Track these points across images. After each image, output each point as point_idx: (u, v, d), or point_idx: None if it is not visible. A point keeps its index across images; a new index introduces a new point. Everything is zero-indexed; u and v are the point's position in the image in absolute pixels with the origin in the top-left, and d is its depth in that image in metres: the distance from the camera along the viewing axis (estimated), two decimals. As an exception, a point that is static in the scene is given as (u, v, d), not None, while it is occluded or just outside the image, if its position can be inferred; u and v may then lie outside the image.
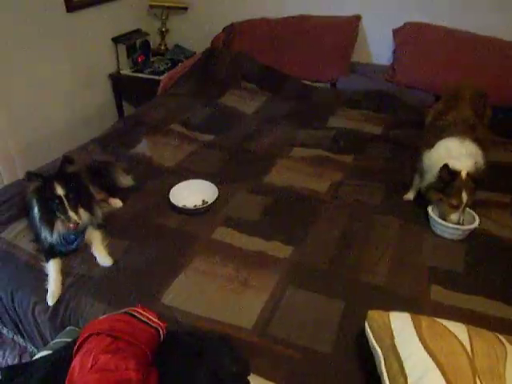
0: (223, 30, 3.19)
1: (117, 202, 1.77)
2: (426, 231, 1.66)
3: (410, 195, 1.84)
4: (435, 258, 1.54)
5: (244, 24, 3.12)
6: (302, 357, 1.19)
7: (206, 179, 1.86)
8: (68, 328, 1.32)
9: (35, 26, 2.45)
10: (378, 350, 1.05)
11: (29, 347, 1.55)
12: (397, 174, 1.99)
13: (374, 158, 2.13)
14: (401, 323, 1.05)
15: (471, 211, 1.64)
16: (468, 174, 1.56)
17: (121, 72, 3.13)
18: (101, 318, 1.13)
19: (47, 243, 1.47)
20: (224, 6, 3.26)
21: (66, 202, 1.41)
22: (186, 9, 3.32)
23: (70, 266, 1.48)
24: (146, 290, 1.39)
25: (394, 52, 2.82)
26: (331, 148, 2.19)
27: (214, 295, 1.37)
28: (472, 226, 1.59)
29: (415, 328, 1.02)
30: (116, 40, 3.05)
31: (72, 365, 0.99)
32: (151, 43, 3.31)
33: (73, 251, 1.51)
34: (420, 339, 0.98)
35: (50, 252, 1.47)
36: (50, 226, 1.45)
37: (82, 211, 1.48)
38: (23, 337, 1.53)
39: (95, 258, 1.49)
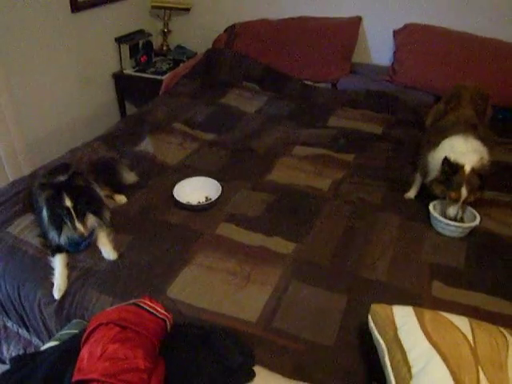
0: (225, 31, 3.21)
1: (121, 198, 1.78)
2: (427, 229, 1.67)
3: (411, 194, 1.86)
4: (436, 255, 1.55)
5: (245, 25, 3.14)
6: (306, 349, 1.21)
7: (209, 177, 1.87)
8: (74, 320, 1.33)
9: (41, 27, 2.48)
10: (382, 342, 1.06)
11: (33, 340, 1.56)
12: (397, 173, 2.01)
13: (375, 157, 2.15)
14: (404, 316, 1.06)
15: (472, 209, 1.66)
16: (473, 170, 1.55)
17: (124, 72, 3.15)
18: (109, 308, 1.14)
19: (55, 243, 1.48)
20: (226, 7, 3.29)
21: (73, 213, 1.42)
22: (188, 10, 3.34)
23: (76, 259, 1.49)
24: (151, 283, 1.40)
25: (395, 53, 2.84)
26: (332, 147, 2.21)
27: (218, 289, 1.39)
28: (472, 224, 1.61)
29: (418, 320, 1.03)
30: (119, 40, 3.07)
31: (81, 354, 1.00)
32: (154, 44, 3.33)
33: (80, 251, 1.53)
34: (423, 331, 1.00)
35: (57, 249, 1.49)
36: (59, 230, 1.46)
37: (90, 216, 1.50)
38: (28, 330, 1.53)
39: (100, 251, 1.50)
